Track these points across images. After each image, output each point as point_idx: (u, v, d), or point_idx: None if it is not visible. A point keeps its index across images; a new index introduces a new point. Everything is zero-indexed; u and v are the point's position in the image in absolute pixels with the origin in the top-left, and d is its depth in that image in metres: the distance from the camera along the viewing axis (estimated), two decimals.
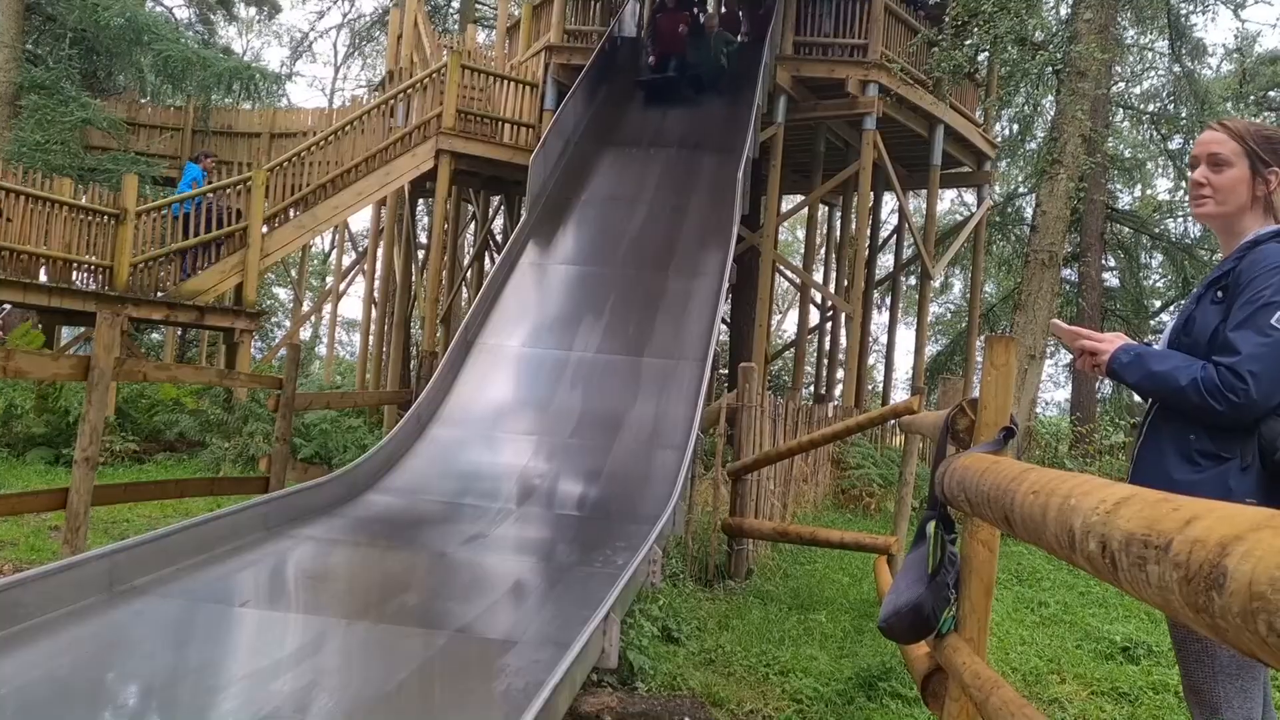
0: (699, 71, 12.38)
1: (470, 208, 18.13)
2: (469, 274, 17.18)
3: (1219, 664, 2.29)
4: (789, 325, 32.63)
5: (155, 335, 21.47)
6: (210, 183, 12.69)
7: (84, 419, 5.21)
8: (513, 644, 3.89)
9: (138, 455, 10.76)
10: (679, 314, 8.85)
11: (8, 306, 12.93)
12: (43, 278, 10.86)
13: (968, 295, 19.67)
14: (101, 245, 11.01)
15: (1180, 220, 22.28)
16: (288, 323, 27.51)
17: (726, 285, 9.29)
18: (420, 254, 18.26)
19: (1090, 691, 4.86)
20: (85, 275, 11.16)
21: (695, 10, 13.19)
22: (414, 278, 16.80)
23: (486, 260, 17.19)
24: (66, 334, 16.60)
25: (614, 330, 8.75)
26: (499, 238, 17.82)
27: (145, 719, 2.99)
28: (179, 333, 19.81)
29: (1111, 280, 21.52)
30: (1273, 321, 2.25)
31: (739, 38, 14.46)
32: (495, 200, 17.26)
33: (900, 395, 22.16)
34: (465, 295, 16.86)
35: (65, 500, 5.15)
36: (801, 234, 25.82)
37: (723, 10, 15.19)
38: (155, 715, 3.03)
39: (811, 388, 17.88)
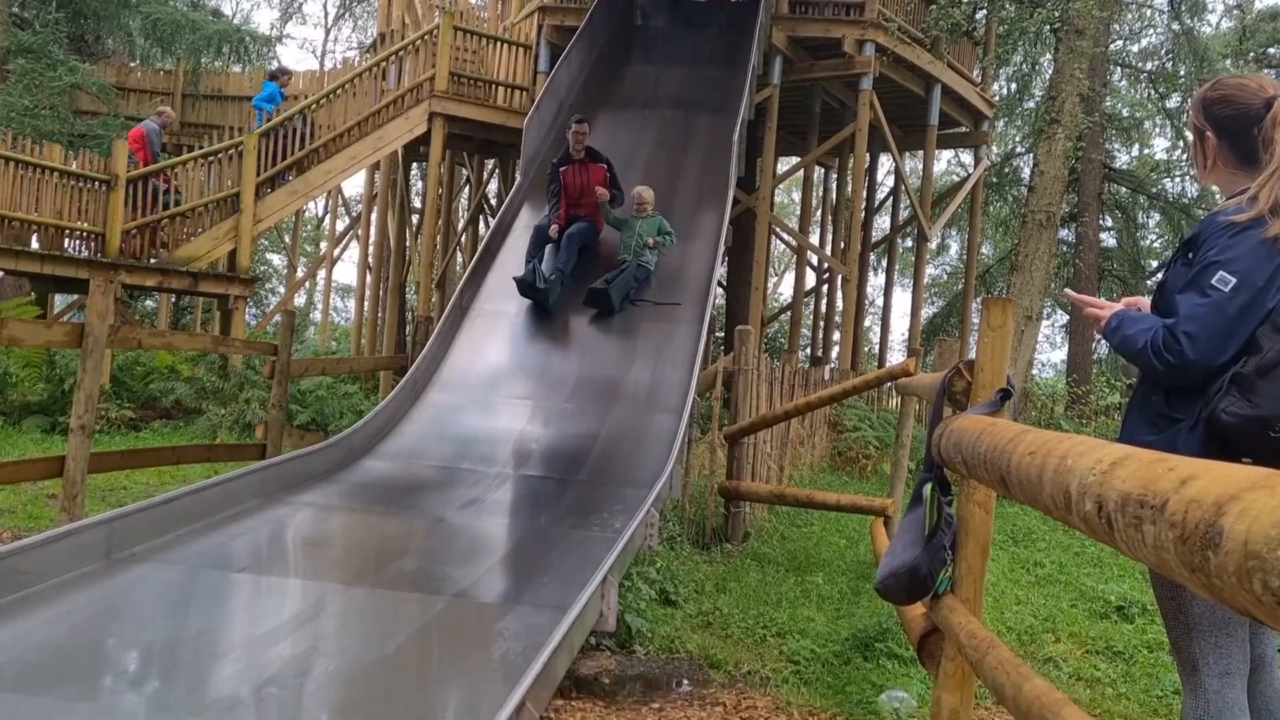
0: (607, 286, 8.15)
1: (464, 172, 18.02)
2: (464, 238, 17.10)
3: (1192, 621, 2.31)
4: (785, 288, 32.60)
5: (149, 302, 21.41)
6: (286, 102, 12.79)
7: (79, 386, 5.20)
8: (511, 608, 3.91)
9: (134, 423, 10.76)
10: (675, 277, 8.82)
11: (0, 274, 12.88)
12: (34, 244, 10.81)
13: (964, 257, 19.64)
14: (93, 212, 10.94)
15: (1178, 180, 22.21)
16: (282, 289, 27.44)
17: (723, 248, 9.25)
18: (414, 219, 18.17)
19: (1085, 650, 4.90)
20: (77, 242, 11.10)
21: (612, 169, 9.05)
22: (408, 243, 16.73)
23: (481, 224, 17.11)
24: (60, 301, 16.55)
25: None
26: (493, 202, 17.72)
27: (146, 684, 3.01)
28: (173, 300, 19.74)
29: (1109, 240, 21.47)
30: (1213, 281, 2.25)
31: None
32: (489, 164, 17.15)
33: (896, 357, 22.19)
34: (460, 260, 16.79)
35: (62, 468, 5.15)
36: (797, 196, 25.72)
37: None
38: (156, 680, 3.05)
39: (808, 350, 17.87)
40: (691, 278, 8.80)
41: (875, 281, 25.52)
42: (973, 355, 3.08)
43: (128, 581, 3.88)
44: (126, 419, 10.61)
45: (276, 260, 29.52)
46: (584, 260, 8.73)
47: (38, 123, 14.22)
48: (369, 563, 4.61)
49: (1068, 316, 21.91)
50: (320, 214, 30.60)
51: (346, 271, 30.27)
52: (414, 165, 18.80)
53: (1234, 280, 2.23)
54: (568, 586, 4.03)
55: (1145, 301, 2.56)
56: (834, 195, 17.41)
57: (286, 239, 25.56)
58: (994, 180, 20.67)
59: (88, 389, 5.19)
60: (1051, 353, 31.28)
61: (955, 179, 24.97)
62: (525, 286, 8.14)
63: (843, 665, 4.40)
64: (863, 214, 14.69)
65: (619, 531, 4.85)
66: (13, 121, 13.62)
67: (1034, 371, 18.64)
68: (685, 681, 4.19)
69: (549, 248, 8.59)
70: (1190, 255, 2.37)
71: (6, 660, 3.01)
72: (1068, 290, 2.96)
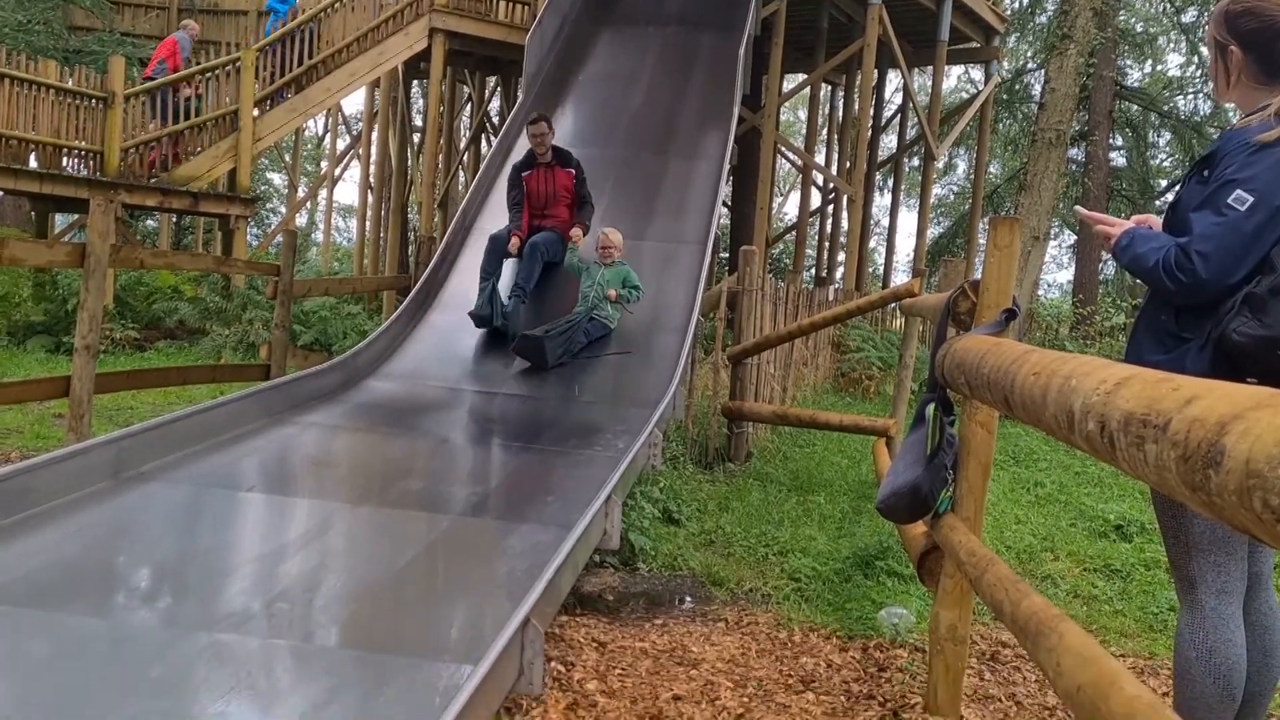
0: (544, 336, 6.64)
1: (466, 89, 17.76)
2: (466, 157, 16.93)
3: (1192, 539, 2.33)
4: (790, 208, 32.35)
5: (150, 223, 21.31)
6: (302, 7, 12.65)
7: (82, 306, 5.19)
8: (515, 526, 3.95)
9: (139, 343, 10.80)
10: (679, 197, 8.74)
11: (0, 194, 12.81)
12: (33, 163, 10.72)
13: (972, 176, 19.42)
14: (90, 130, 10.82)
15: (1190, 97, 21.84)
16: (283, 209, 27.27)
17: (727, 167, 9.14)
18: (416, 137, 17.96)
19: (1083, 568, 4.96)
20: (76, 161, 11.00)
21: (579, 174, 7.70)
22: (410, 162, 16.56)
23: (483, 143, 16.92)
24: (60, 221, 16.48)
25: (613, 213, 8.64)
26: (496, 120, 17.50)
27: (157, 600, 3.06)
28: (174, 220, 19.63)
29: (1118, 160, 21.21)
30: (1229, 200, 2.21)
31: None
32: (491, 81, 16.89)
33: (901, 278, 22.11)
34: (463, 179, 16.64)
35: (68, 388, 5.17)
36: (803, 114, 25.35)
37: None
38: (167, 596, 3.10)
39: (812, 271, 17.82)
40: (695, 198, 8.72)
41: (881, 201, 25.27)
42: (978, 276, 3.06)
43: (136, 500, 3.92)
44: (131, 339, 10.64)
45: (277, 180, 29.29)
46: (550, 279, 7.47)
47: (31, 39, 13.99)
48: (374, 482, 4.65)
49: (1075, 237, 21.76)
50: (320, 133, 30.26)
51: (348, 191, 30.10)
52: (415, 83, 18.53)
53: (1251, 199, 2.19)
54: (572, 505, 4.07)
55: (1156, 220, 2.53)
56: (840, 113, 17.16)
57: (287, 158, 25.33)
58: (1004, 97, 20.34)
59: (91, 309, 5.18)
60: (1058, 273, 31.21)
61: (964, 96, 24.58)
62: (480, 321, 7.03)
63: (843, 583, 4.46)
64: (869, 132, 14.48)
65: (622, 451, 4.88)
66: (5, 37, 13.40)
67: (1040, 292, 18.59)
68: (688, 598, 4.26)
69: (509, 263, 7.42)
70: (1206, 172, 2.33)
71: (19, 576, 3.05)
72: (1078, 208, 2.92)
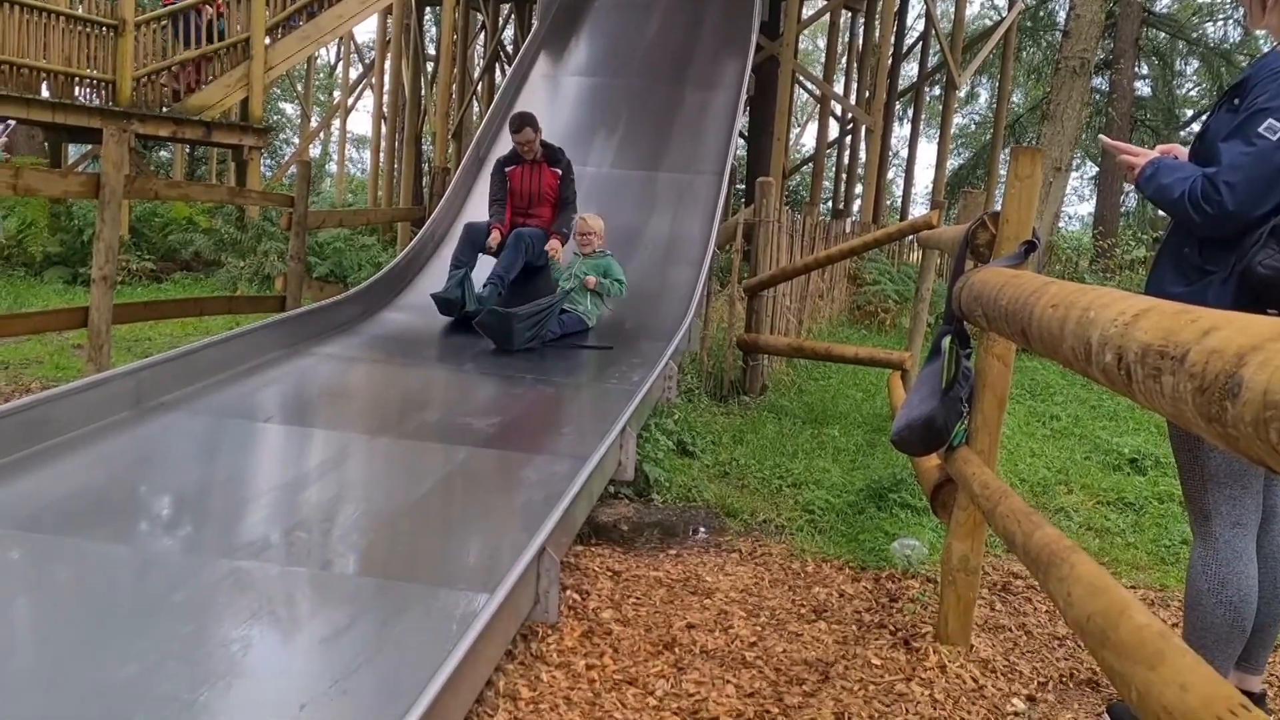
0: (513, 312, 5.88)
1: (480, 17, 17.48)
2: (480, 87, 16.72)
3: (1208, 473, 2.33)
4: (808, 139, 31.93)
5: (164, 154, 21.23)
6: None
7: (98, 237, 5.21)
8: (531, 458, 3.98)
9: (155, 274, 10.83)
10: (695, 127, 8.64)
11: (12, 122, 12.75)
12: (45, 93, 10.66)
13: (994, 106, 19.10)
14: (102, 59, 10.73)
15: (1220, 24, 21.31)
16: (296, 139, 27.11)
17: (744, 97, 9.02)
18: (429, 66, 17.74)
19: (1096, 501, 4.98)
20: (88, 90, 10.93)
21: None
22: (424, 91, 16.38)
23: (497, 73, 16.70)
24: (73, 152, 16.43)
25: (629, 144, 8.57)
26: (510, 49, 17.25)
27: (179, 527, 3.11)
28: (187, 151, 19.56)
29: (1143, 89, 20.80)
30: (1260, 130, 2.16)
31: None
32: (505, 9, 16.61)
33: (919, 210, 21.89)
34: (477, 109, 16.47)
35: (86, 319, 5.21)
36: (822, 43, 24.89)
37: None
38: (189, 524, 3.14)
39: (830, 203, 17.63)
40: (712, 129, 8.62)
41: (900, 132, 24.91)
42: (998, 207, 3.03)
43: (157, 430, 3.96)
44: (148, 270, 10.67)
45: (289, 110, 29.08)
46: (530, 281, 6.66)
47: None
48: (391, 413, 4.69)
49: (1097, 169, 21.44)
50: (332, 61, 29.94)
51: (361, 121, 29.87)
52: (427, 10, 18.25)
53: None
54: (587, 437, 4.10)
55: (1181, 149, 2.48)
56: (861, 41, 16.84)
57: (299, 88, 25.11)
58: (1028, 24, 19.92)
59: (107, 240, 5.20)
60: (1079, 205, 30.88)
61: (988, 23, 24.06)
62: (445, 305, 6.35)
63: (856, 515, 4.49)
64: (890, 61, 14.21)
65: (637, 384, 4.89)
66: None
67: (1060, 224, 18.39)
68: (702, 529, 4.30)
69: (484, 259, 6.75)
70: (1237, 101, 2.27)
71: (44, 504, 3.10)
72: (1102, 136, 2.86)
